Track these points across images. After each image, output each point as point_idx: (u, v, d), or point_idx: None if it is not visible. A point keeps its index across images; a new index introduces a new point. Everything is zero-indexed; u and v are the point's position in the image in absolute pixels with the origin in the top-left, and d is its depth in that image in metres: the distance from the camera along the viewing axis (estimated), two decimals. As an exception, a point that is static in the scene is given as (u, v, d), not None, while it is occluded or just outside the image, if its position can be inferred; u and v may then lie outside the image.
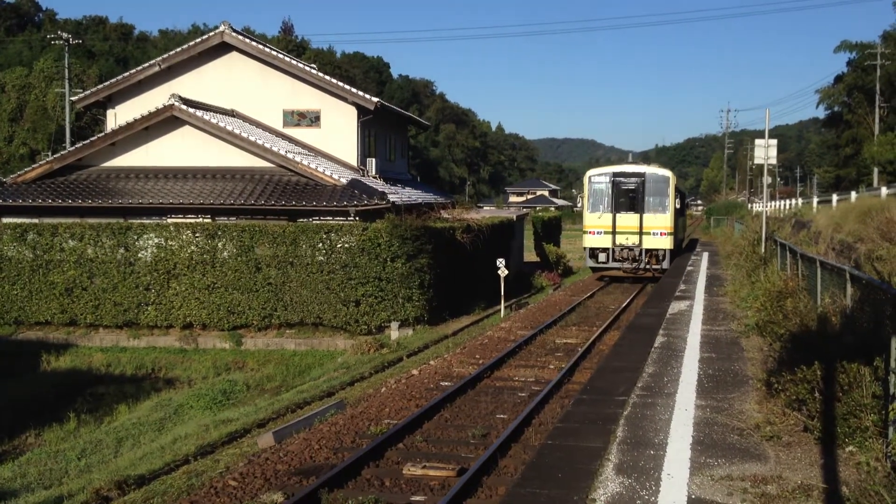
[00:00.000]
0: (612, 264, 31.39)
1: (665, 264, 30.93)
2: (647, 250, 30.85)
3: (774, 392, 9.74)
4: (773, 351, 12.39)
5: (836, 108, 77.82)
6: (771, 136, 25.50)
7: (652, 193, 30.79)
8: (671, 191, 31.02)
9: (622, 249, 30.83)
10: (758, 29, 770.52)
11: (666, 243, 30.86)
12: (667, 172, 32.20)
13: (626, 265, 31.28)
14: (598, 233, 31.05)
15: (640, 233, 30.70)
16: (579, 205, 35.81)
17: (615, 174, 31.33)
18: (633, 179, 31.02)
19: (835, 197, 31.30)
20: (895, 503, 6.23)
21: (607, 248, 30.99)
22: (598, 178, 31.48)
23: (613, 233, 30.85)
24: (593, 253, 31.46)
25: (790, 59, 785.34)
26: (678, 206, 33.27)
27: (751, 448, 8.35)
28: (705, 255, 37.65)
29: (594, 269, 33.61)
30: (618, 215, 30.83)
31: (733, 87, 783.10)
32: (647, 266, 31.20)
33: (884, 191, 25.30)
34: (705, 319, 17.43)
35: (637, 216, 30.72)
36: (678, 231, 34.51)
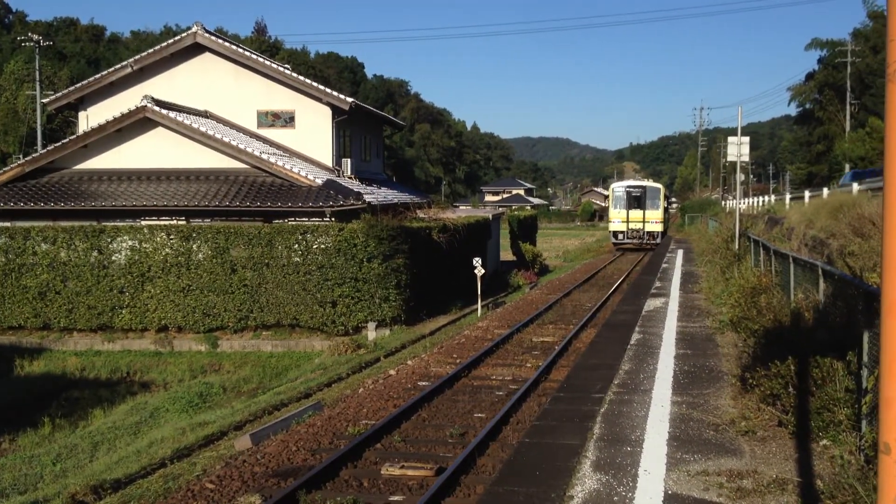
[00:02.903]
0: (626, 241, 50.69)
1: (658, 240, 49.89)
2: (648, 232, 50.30)
3: (749, 387, 9.83)
4: (748, 347, 12.49)
5: (807, 106, 78.57)
6: (744, 134, 25.69)
7: (650, 198, 50.34)
8: (661, 196, 51.64)
9: (632, 232, 50.43)
10: (730, 27, 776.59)
11: (659, 227, 50.74)
12: (659, 185, 53.63)
13: (635, 241, 50.41)
14: (617, 222, 51.02)
15: (643, 221, 50.19)
16: (605, 205, 60.78)
17: (627, 186, 52.35)
18: (638, 189, 51.36)
19: (807, 193, 31.53)
20: (869, 496, 6.30)
21: (623, 231, 50.70)
22: (617, 189, 52.48)
23: (627, 221, 50.47)
24: (615, 234, 51.30)
25: (762, 57, 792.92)
26: (666, 206, 56.74)
27: (726, 443, 8.42)
28: (680, 253, 37.89)
29: (615, 245, 51.79)
30: (629, 211, 50.36)
31: (707, 85, 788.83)
32: (647, 242, 49.95)
33: (855, 187, 25.50)
34: (680, 316, 17.55)
35: (641, 211, 50.16)
36: (666, 221, 56.65)
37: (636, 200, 50.12)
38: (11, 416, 17.59)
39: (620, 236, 50.74)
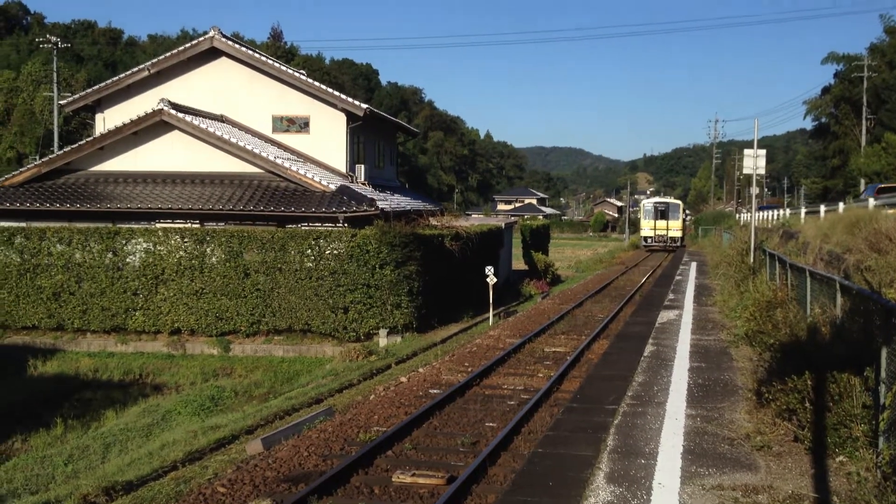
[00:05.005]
0: (653, 244, 64.35)
1: (678, 243, 64.59)
2: (670, 237, 64.47)
3: (764, 402, 9.77)
4: (763, 361, 12.42)
5: (823, 120, 78.21)
6: (759, 147, 25.57)
7: (672, 211, 64.89)
8: (681, 210, 66.79)
9: (658, 237, 64.46)
10: (746, 40, 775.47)
11: (679, 234, 65.26)
12: (679, 202, 69.36)
13: (660, 244, 64.06)
14: (647, 229, 65.36)
15: (667, 229, 64.36)
16: (639, 216, 75.42)
17: (655, 202, 67.30)
18: (663, 205, 66.14)
19: (822, 207, 31.36)
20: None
21: (652, 236, 64.78)
22: (647, 204, 67.44)
23: (654, 229, 64.67)
24: (645, 238, 65.56)
25: (778, 71, 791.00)
26: (684, 218, 72.12)
27: (741, 458, 8.37)
28: (693, 265, 37.78)
29: (645, 247, 65.23)
30: (656, 221, 64.56)
31: (722, 97, 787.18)
32: (670, 245, 63.86)
33: (871, 202, 25.36)
34: (694, 329, 17.48)
35: (665, 222, 64.38)
36: (684, 229, 69.85)
37: (661, 213, 64.73)
38: (24, 417, 17.64)
39: (649, 240, 65.55)
